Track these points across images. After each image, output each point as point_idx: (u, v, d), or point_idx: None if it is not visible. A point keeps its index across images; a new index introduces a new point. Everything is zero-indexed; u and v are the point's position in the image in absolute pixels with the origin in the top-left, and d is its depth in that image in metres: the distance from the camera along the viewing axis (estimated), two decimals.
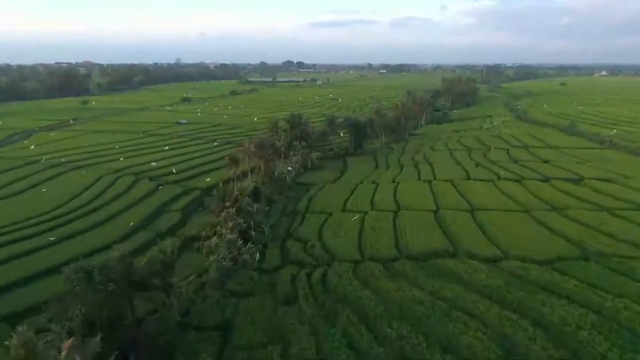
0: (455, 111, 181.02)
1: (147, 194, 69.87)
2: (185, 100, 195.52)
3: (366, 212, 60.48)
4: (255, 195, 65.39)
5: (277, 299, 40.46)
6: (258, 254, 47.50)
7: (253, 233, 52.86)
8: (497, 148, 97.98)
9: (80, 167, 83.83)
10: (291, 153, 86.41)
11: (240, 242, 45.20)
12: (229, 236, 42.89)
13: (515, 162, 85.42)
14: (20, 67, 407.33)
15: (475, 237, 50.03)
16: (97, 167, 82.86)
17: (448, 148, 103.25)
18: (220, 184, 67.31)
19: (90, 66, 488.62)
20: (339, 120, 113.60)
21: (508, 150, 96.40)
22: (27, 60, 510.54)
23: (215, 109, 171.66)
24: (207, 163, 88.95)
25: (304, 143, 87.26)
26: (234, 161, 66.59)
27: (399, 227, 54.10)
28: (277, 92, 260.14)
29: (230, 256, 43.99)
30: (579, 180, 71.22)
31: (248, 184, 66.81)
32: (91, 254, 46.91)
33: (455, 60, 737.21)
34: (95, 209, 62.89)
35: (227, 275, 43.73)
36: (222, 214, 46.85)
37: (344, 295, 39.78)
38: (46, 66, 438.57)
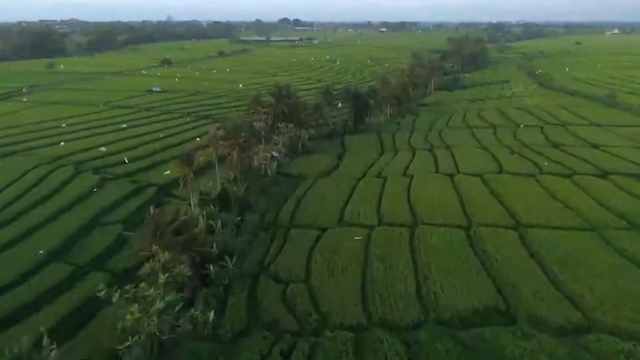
0: (466, 75, 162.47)
1: (84, 194, 53.21)
2: (165, 62, 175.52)
3: (372, 228, 44.39)
4: (223, 200, 49.10)
5: None
6: (212, 313, 31.41)
7: (211, 269, 36.82)
8: (528, 125, 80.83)
9: (14, 153, 66.79)
10: (275, 135, 69.41)
11: (181, 303, 29.01)
12: (156, 304, 26.73)
13: (556, 146, 68.48)
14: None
15: (536, 283, 33.99)
16: (32, 153, 65.71)
17: (467, 124, 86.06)
18: (151, 209, 49.46)
19: (76, 24, 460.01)
20: (337, 90, 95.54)
21: (542, 128, 79.30)
22: (10, 17, 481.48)
23: (197, 73, 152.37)
24: (173, 146, 71.83)
25: (290, 125, 69.94)
26: (187, 161, 49.54)
27: (420, 259, 38.03)
28: (270, 52, 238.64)
29: (163, 325, 27.90)
30: None
31: (213, 184, 50.03)
32: None
33: (457, 18, 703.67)
34: (8, 222, 46.50)
35: None
36: (154, 261, 30.51)
37: None
38: (29, 24, 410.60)
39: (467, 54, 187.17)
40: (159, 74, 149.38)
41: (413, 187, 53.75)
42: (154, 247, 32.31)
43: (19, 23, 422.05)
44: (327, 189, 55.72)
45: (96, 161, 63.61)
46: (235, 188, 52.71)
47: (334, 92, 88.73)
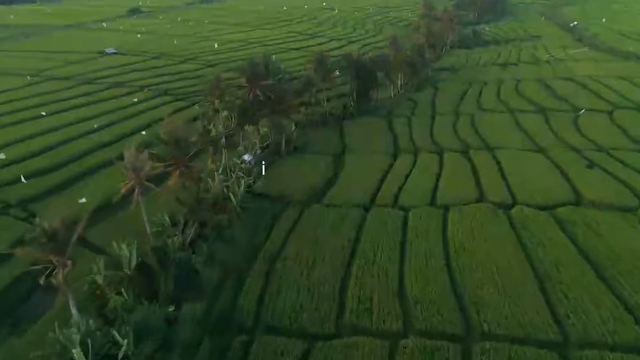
0: (486, 28, 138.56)
1: None
2: (134, 12, 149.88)
3: (397, 337, 25.62)
4: (145, 275, 29.92)
5: None
6: None
7: None
8: (591, 110, 60.25)
9: None
10: (243, 132, 49.00)
11: None
12: None
13: None
14: None
15: None
16: None
17: (505, 104, 65.28)
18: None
19: None
20: (334, 56, 73.95)
21: (611, 113, 58.94)
22: None
23: (168, 26, 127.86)
24: (107, 144, 51.79)
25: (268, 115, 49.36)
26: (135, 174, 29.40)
27: None
28: None
29: None
30: None
31: (125, 251, 29.90)
32: None
33: None
34: None
35: None
36: None
37: None
38: None
39: (484, 0, 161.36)
40: (121, 27, 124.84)
41: (452, 238, 34.37)
42: None
43: None
44: (319, 233, 36.27)
45: None
46: (173, 240, 33.38)
47: (331, 61, 66.97)
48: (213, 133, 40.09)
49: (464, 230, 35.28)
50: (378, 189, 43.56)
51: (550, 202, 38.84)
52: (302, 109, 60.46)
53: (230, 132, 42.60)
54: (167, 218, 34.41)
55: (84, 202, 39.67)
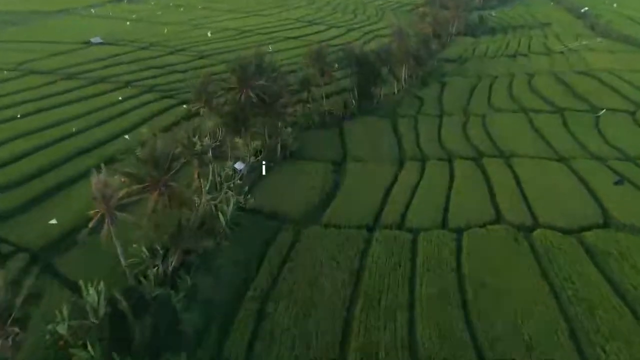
0: (492, 14, 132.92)
1: None
2: None
3: None
4: (115, 325, 25.94)
5: None
6: None
7: None
8: (612, 110, 55.70)
9: None
10: (239, 137, 44.53)
11: None
12: None
13: None
14: None
15: None
16: None
17: (518, 102, 60.64)
18: None
19: None
20: (333, 46, 69.06)
21: (634, 114, 54.44)
22: None
23: (159, 13, 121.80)
24: (85, 151, 47.34)
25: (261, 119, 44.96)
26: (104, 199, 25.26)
27: None
28: None
29: None
30: None
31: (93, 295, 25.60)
32: None
33: None
34: None
35: None
36: None
37: None
38: None
39: None
40: (110, 13, 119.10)
41: (468, 273, 30.26)
42: None
43: None
44: (317, 263, 32.18)
45: None
46: (151, 275, 29.34)
47: (330, 57, 62.04)
48: (198, 146, 35.59)
49: (481, 261, 31.19)
50: (382, 205, 39.41)
51: (576, 224, 34.69)
52: (299, 107, 55.94)
53: (218, 144, 38.05)
54: (144, 249, 30.17)
55: (55, 224, 35.52)
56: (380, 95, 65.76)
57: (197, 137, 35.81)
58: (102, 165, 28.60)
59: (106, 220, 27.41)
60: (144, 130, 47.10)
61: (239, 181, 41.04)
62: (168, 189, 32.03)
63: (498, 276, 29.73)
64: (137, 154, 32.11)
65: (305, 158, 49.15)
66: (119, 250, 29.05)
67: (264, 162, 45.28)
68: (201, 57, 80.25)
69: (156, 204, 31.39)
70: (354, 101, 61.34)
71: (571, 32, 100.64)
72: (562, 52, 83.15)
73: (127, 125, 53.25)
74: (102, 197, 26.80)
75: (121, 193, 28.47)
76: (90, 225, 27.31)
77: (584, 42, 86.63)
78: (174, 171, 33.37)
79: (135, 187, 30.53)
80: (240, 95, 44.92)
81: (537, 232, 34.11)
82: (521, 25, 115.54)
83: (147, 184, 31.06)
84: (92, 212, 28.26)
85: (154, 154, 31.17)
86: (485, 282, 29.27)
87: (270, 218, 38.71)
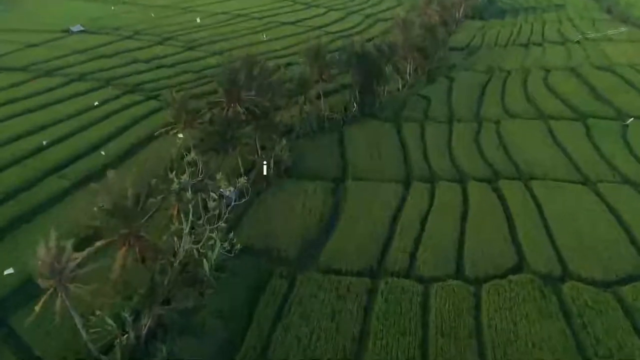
0: None
1: None
2: None
3: None
4: None
5: None
6: None
7: None
8: (638, 117, 50.49)
9: None
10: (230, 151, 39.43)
11: None
12: None
13: None
14: None
15: None
16: None
17: (535, 106, 55.30)
18: None
19: None
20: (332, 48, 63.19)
21: None
22: None
23: None
24: (53, 171, 42.22)
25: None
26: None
27: None
28: None
29: None
30: None
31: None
32: None
33: None
34: None
35: None
36: None
37: None
38: None
39: None
40: None
41: (490, 340, 25.96)
42: None
43: None
44: (314, 323, 27.83)
45: None
46: (118, 346, 24.96)
47: (329, 54, 56.23)
48: (175, 184, 30.66)
49: (503, 324, 26.84)
50: (388, 240, 34.83)
51: (613, 273, 30.16)
52: (296, 110, 50.67)
53: (200, 179, 33.13)
54: (108, 320, 25.60)
55: (12, 274, 30.91)
56: (383, 93, 60.34)
57: (174, 173, 30.80)
58: (52, 230, 23.44)
59: (59, 299, 22.79)
60: (103, 153, 42.41)
61: (226, 212, 36.17)
62: (139, 242, 27.39)
63: (524, 347, 25.38)
64: (101, 205, 26.97)
65: (301, 175, 44.27)
66: (79, 324, 24.52)
67: (264, 163, 40.43)
68: (190, 49, 74.30)
69: (125, 261, 26.80)
70: (355, 104, 55.92)
71: (587, 16, 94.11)
72: (578, 42, 77.05)
73: (104, 135, 48.08)
74: (51, 272, 22.07)
75: (79, 258, 23.71)
76: (38, 308, 22.61)
77: (609, 32, 79.40)
78: (146, 217, 28.68)
79: (98, 244, 25.84)
80: (227, 110, 39.63)
81: (568, 285, 29.57)
82: (533, 7, 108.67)
83: (112, 239, 26.38)
84: (41, 282, 23.50)
85: (122, 204, 26.31)
86: (509, 353, 24.95)
87: (262, 256, 34.22)
